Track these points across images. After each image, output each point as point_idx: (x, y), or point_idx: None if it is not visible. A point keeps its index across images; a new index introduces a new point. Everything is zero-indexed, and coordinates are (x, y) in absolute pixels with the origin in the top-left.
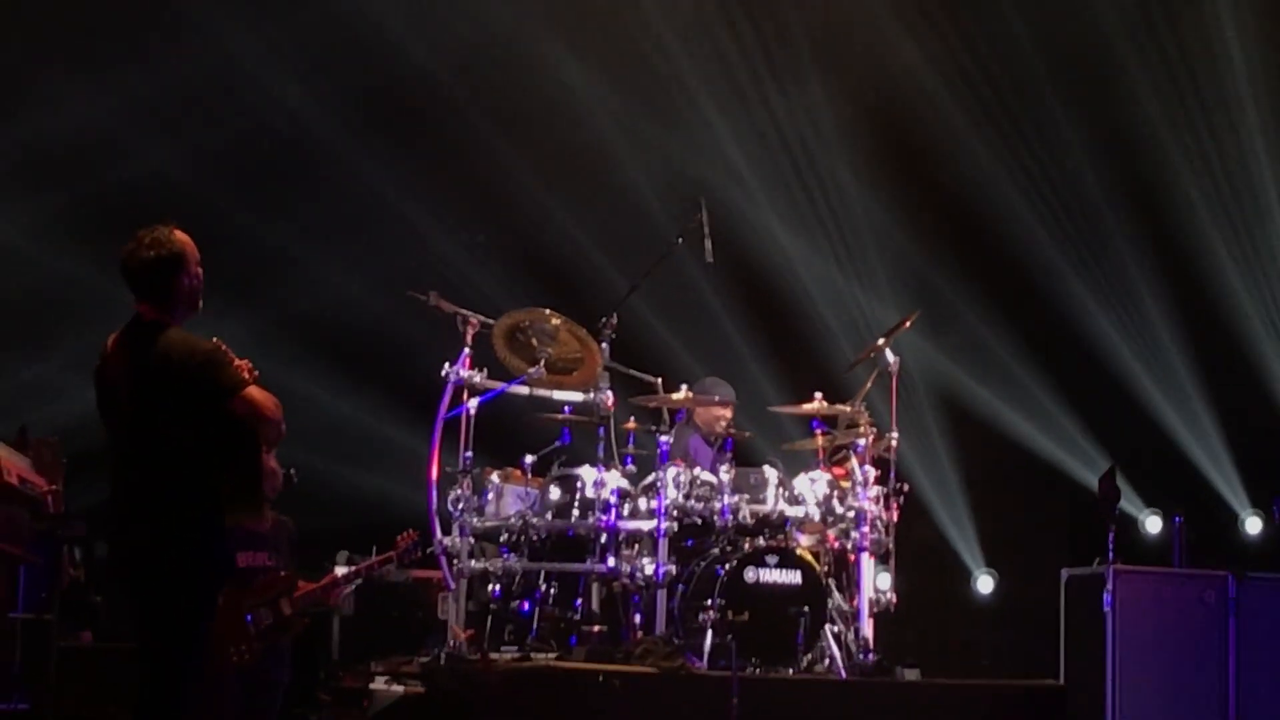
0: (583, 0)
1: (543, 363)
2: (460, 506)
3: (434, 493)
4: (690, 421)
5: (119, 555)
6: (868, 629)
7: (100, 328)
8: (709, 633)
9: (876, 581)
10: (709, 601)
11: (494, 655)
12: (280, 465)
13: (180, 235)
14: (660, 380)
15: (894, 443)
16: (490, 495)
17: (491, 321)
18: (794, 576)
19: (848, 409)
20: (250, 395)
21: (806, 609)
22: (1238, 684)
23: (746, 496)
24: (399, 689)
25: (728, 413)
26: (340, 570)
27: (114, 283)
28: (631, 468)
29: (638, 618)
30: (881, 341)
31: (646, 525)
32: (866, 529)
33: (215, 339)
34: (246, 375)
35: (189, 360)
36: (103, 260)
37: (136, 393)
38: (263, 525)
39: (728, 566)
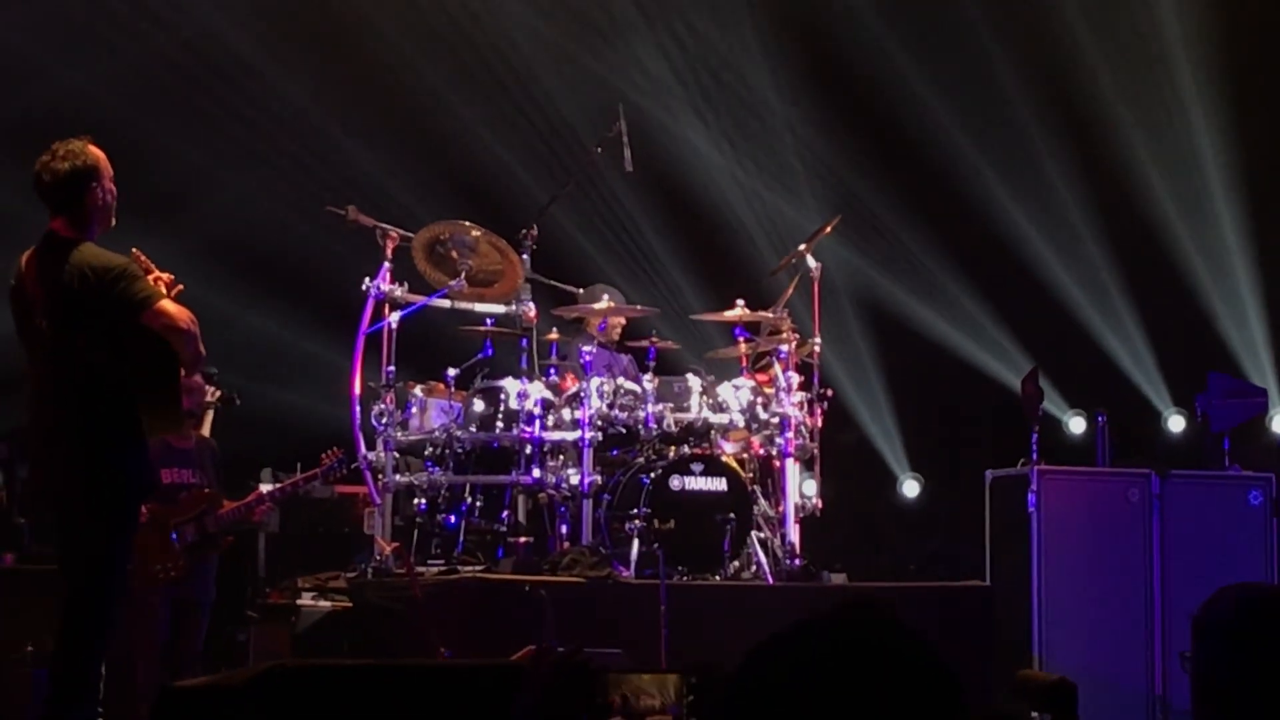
0: None
1: (463, 275)
2: (384, 421)
3: (357, 408)
4: (581, 331)
5: (41, 474)
6: (794, 534)
7: (12, 250)
8: (635, 542)
9: (802, 487)
10: (635, 510)
11: (420, 569)
12: (223, 388)
13: (94, 149)
14: (580, 291)
15: (817, 348)
16: (414, 409)
17: (411, 235)
18: (719, 484)
19: (770, 315)
20: (163, 308)
21: (732, 516)
22: (1162, 581)
23: (670, 405)
24: (326, 604)
25: (621, 318)
26: (265, 488)
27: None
28: (554, 378)
29: (564, 528)
30: (803, 247)
31: (571, 436)
32: (791, 435)
33: (134, 250)
34: (165, 289)
35: (103, 274)
36: (14, 182)
37: (52, 309)
38: (186, 442)
39: (653, 475)
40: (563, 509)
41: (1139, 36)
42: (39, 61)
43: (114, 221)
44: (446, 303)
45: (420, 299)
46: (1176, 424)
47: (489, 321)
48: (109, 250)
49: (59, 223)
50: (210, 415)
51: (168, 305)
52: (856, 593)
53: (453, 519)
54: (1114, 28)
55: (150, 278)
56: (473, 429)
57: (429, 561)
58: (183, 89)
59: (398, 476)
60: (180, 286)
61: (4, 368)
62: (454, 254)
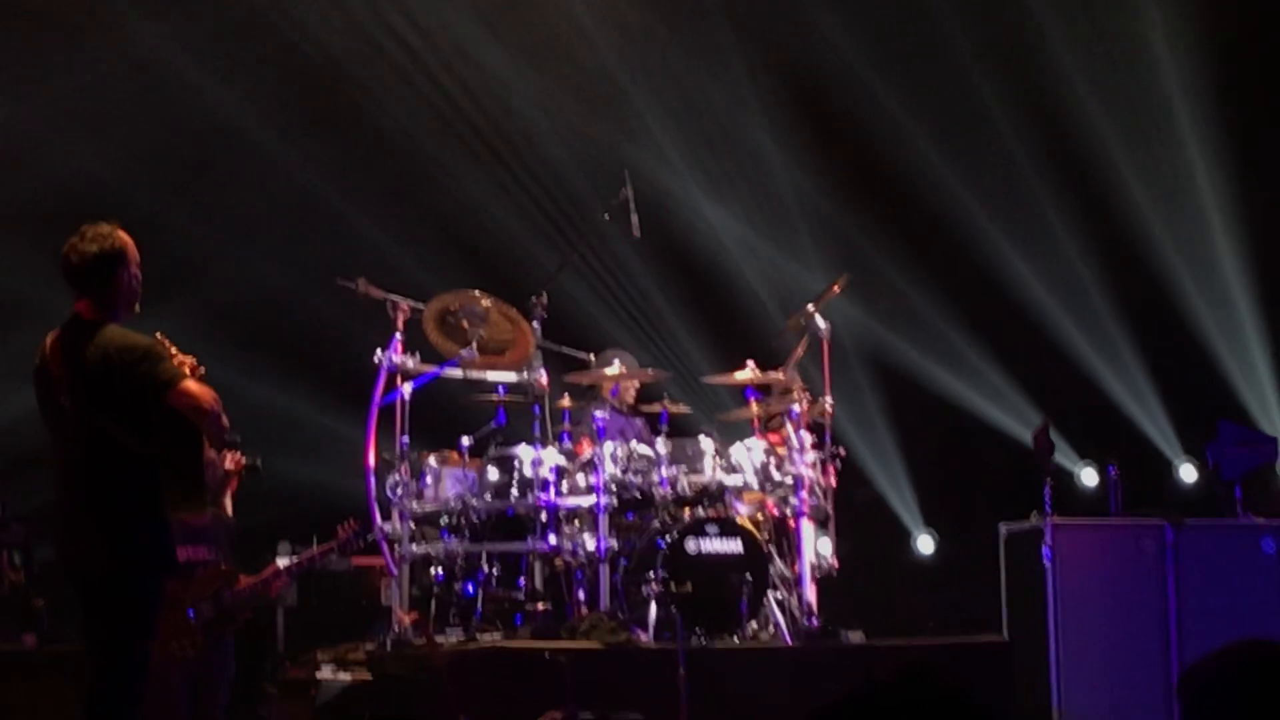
0: None
1: (475, 344)
2: (399, 492)
3: (372, 479)
4: (595, 397)
5: (64, 554)
6: (811, 594)
7: (27, 332)
8: (653, 605)
9: (817, 546)
10: (651, 574)
11: (439, 638)
12: (246, 456)
13: (122, 233)
14: (593, 356)
15: (829, 407)
16: (428, 479)
17: (422, 306)
18: (735, 545)
19: (780, 376)
20: (186, 388)
21: (749, 577)
22: (1179, 630)
23: (684, 467)
24: (346, 676)
25: (635, 383)
26: (282, 562)
27: (41, 286)
28: (568, 445)
29: (581, 594)
30: (811, 307)
31: (586, 501)
32: (805, 494)
33: (158, 334)
34: (188, 370)
35: (127, 355)
36: (29, 264)
37: (76, 390)
38: (201, 519)
39: (669, 538)
40: (579, 574)
41: (1142, 89)
42: (46, 145)
43: (138, 307)
44: (459, 372)
45: (432, 369)
46: (1188, 473)
47: (501, 390)
48: (132, 330)
49: (84, 305)
50: (234, 484)
51: (191, 385)
52: (913, 657)
53: (470, 587)
54: (1117, 80)
55: (174, 361)
56: (488, 497)
57: (447, 630)
58: (193, 166)
59: (414, 547)
60: (202, 369)
61: (20, 448)
62: (465, 324)
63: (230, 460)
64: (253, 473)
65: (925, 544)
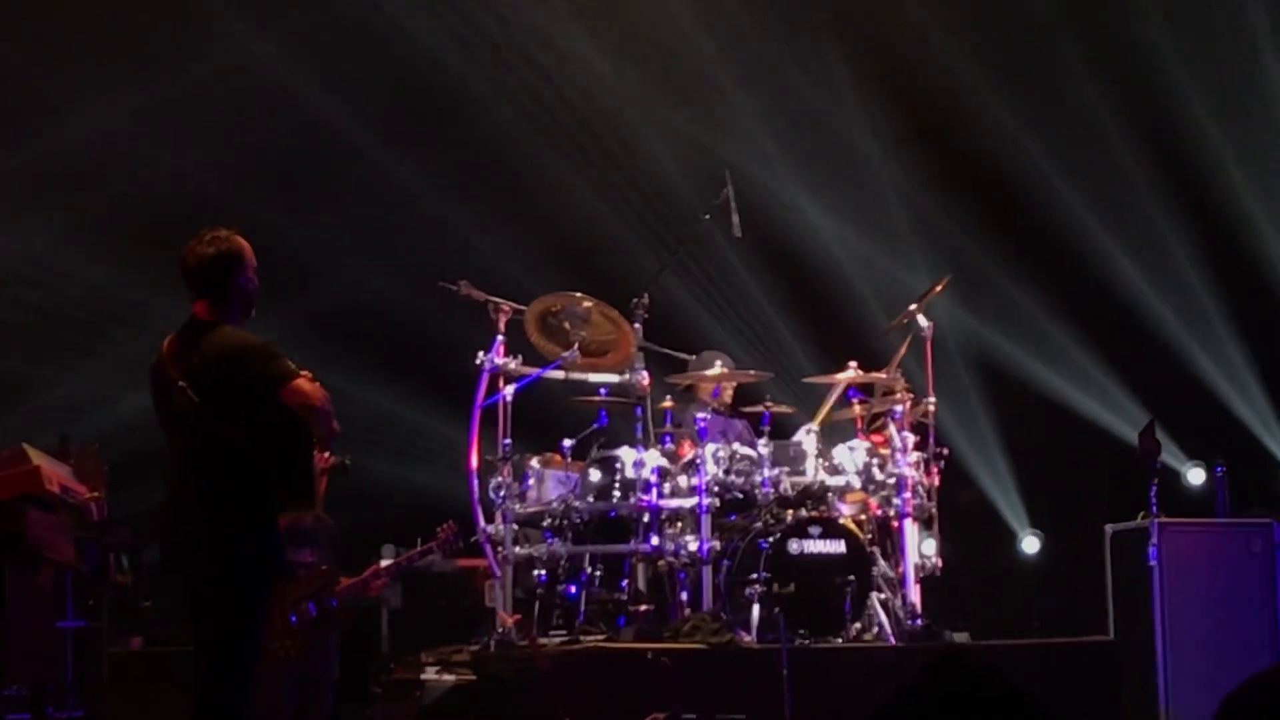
0: None
1: (576, 346)
2: (502, 494)
3: (475, 481)
4: (695, 398)
5: (173, 552)
6: (914, 595)
7: (135, 336)
8: (756, 606)
9: (921, 547)
10: (754, 575)
11: (543, 640)
12: (335, 454)
13: (239, 238)
14: (693, 358)
15: (931, 407)
16: (531, 481)
17: (523, 308)
18: (838, 546)
19: (883, 376)
20: (299, 386)
21: (852, 578)
22: None
23: (786, 469)
24: (450, 678)
25: (734, 383)
26: (383, 563)
27: (149, 292)
28: (670, 446)
29: (684, 595)
30: (914, 307)
31: (688, 503)
32: (908, 495)
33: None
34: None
35: (243, 353)
36: (136, 268)
37: (193, 388)
38: (305, 521)
39: (771, 539)
40: (682, 576)
41: (1249, 84)
42: (152, 150)
43: (253, 310)
44: (560, 374)
45: (534, 371)
46: None
47: (603, 391)
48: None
49: (201, 306)
50: (324, 483)
51: (304, 384)
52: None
53: (573, 589)
54: (1227, 80)
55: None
56: (590, 499)
57: (551, 632)
58: (295, 170)
59: (517, 549)
60: (317, 383)
61: (129, 451)
62: (566, 325)
63: (319, 459)
64: (342, 471)
65: (1031, 544)
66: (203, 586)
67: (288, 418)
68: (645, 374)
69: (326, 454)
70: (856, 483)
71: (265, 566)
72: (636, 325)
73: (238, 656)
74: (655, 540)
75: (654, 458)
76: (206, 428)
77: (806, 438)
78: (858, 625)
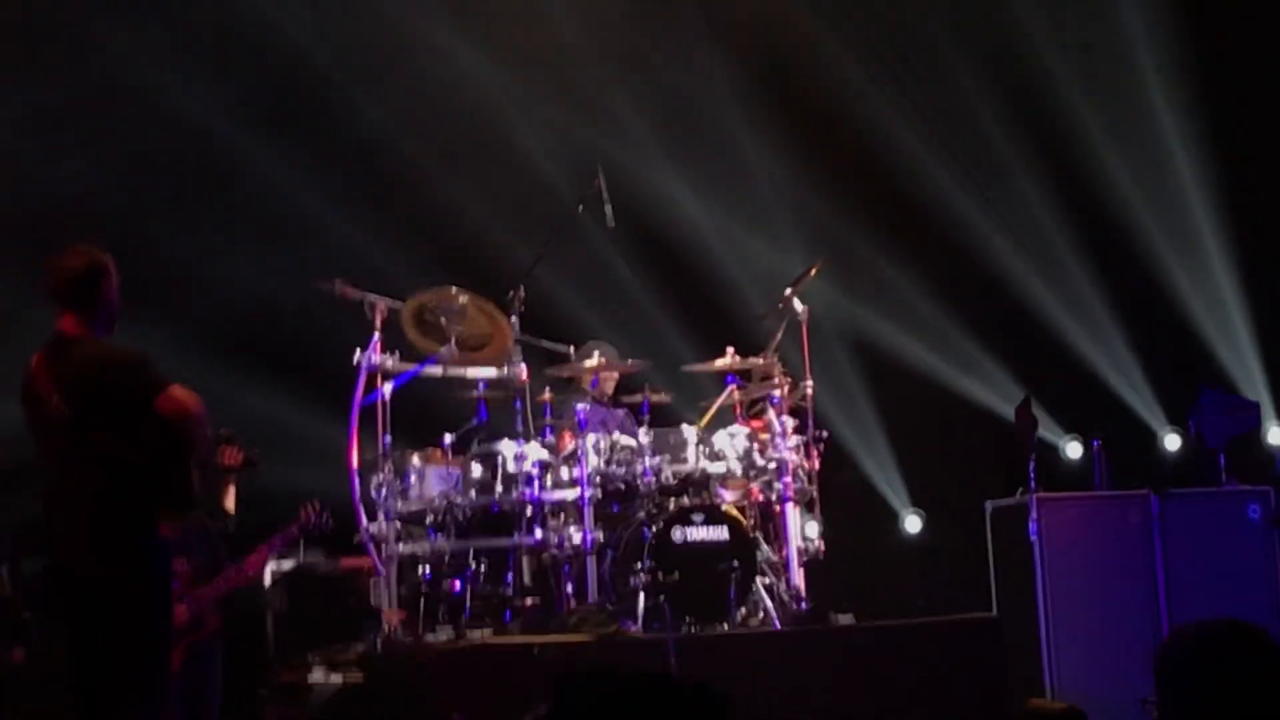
0: None
1: (453, 341)
2: (383, 492)
3: (356, 480)
4: (575, 389)
5: (60, 577)
6: (799, 578)
7: (7, 349)
8: (641, 595)
9: (804, 530)
10: (639, 565)
11: (429, 636)
12: (245, 450)
13: (103, 253)
14: (572, 349)
15: (810, 391)
16: (412, 478)
17: (399, 304)
18: (721, 532)
19: (760, 361)
20: (175, 393)
21: (736, 563)
22: (1168, 600)
23: (668, 457)
24: (338, 678)
25: (614, 374)
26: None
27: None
28: (551, 438)
29: (570, 587)
30: (789, 292)
31: (570, 495)
32: (789, 479)
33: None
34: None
35: (116, 364)
36: (6, 278)
37: (66, 401)
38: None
39: (654, 528)
40: (567, 568)
41: (1118, 60)
42: (21, 157)
43: (115, 327)
44: (438, 369)
45: (412, 367)
46: (1173, 442)
47: (482, 385)
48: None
49: (68, 320)
50: (234, 483)
51: (179, 391)
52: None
53: (458, 585)
54: (1094, 54)
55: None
56: (472, 494)
57: (437, 629)
58: (168, 174)
59: (401, 546)
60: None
61: (3, 464)
62: (442, 320)
63: (228, 457)
64: (251, 468)
65: (913, 524)
66: (100, 604)
67: (163, 427)
68: (523, 367)
69: (237, 450)
70: (738, 469)
71: (162, 577)
72: (513, 318)
73: (155, 673)
74: (539, 533)
75: (535, 450)
76: (82, 440)
77: (687, 428)
78: (743, 610)
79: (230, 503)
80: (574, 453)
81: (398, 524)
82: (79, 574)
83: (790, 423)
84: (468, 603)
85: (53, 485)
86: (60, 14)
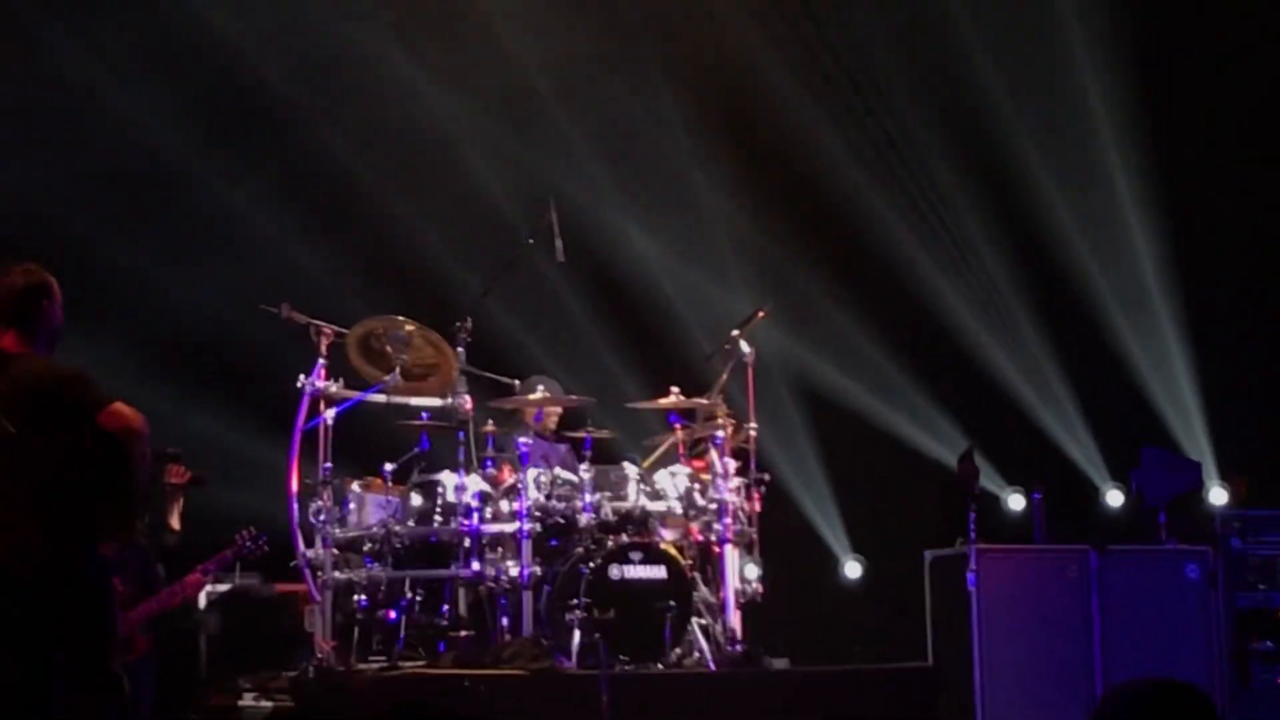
0: (426, 8)
1: (398, 370)
2: (322, 518)
3: (294, 505)
4: (518, 423)
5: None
6: (735, 620)
7: None
8: (576, 632)
9: (743, 572)
10: (575, 601)
11: (362, 665)
12: (191, 468)
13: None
14: (518, 382)
15: (753, 433)
16: (351, 505)
17: (345, 331)
18: (659, 571)
19: (705, 402)
20: (119, 409)
21: (673, 603)
22: (1103, 656)
23: (608, 494)
24: (268, 704)
25: (557, 409)
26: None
27: None
28: (491, 470)
29: (505, 620)
30: (736, 333)
31: (509, 527)
32: (729, 520)
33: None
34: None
35: (57, 380)
36: None
37: (7, 417)
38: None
39: (592, 565)
40: (503, 601)
41: (1067, 107)
42: None
43: (55, 348)
44: (382, 398)
45: (355, 395)
46: (1114, 498)
47: (425, 415)
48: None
49: (9, 338)
50: (180, 498)
51: (122, 406)
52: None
53: (393, 614)
54: (1042, 100)
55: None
56: (411, 523)
57: (371, 658)
58: (115, 191)
59: (337, 573)
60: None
61: None
62: (388, 349)
63: (175, 474)
64: (199, 484)
65: (853, 569)
66: (34, 614)
67: (104, 445)
68: (468, 398)
69: (183, 468)
70: (678, 508)
71: (101, 589)
72: (459, 349)
73: (112, 682)
74: (476, 565)
75: (475, 482)
76: (24, 456)
77: (629, 466)
78: (678, 651)
79: (175, 520)
80: (514, 486)
81: (335, 550)
82: (20, 590)
83: (732, 464)
84: (402, 632)
85: None
86: (12, 23)
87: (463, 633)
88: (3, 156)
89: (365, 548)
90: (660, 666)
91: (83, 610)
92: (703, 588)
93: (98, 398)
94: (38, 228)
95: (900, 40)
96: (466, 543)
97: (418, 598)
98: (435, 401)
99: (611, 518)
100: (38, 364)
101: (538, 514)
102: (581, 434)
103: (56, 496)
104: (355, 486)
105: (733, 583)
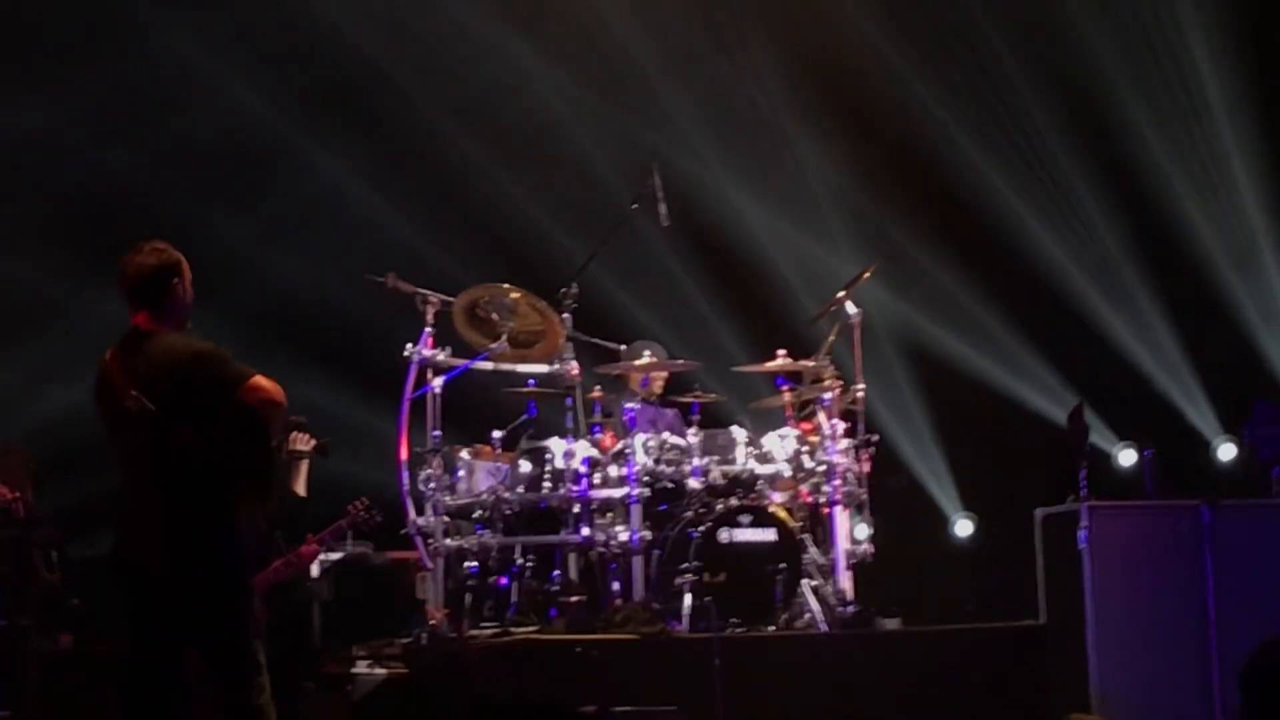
0: None
1: (504, 337)
2: (432, 486)
3: (405, 473)
4: (625, 388)
5: (126, 572)
6: (846, 581)
7: (57, 333)
8: (687, 596)
9: (853, 533)
10: (685, 565)
11: (474, 632)
12: (316, 435)
13: (177, 252)
14: (623, 347)
15: (860, 394)
16: (461, 473)
17: (451, 299)
18: (768, 534)
19: (812, 364)
20: (259, 382)
21: (783, 566)
22: (1216, 612)
23: (716, 458)
24: (382, 672)
25: (664, 373)
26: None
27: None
28: (600, 435)
29: (616, 585)
30: (842, 294)
31: (618, 493)
32: (838, 482)
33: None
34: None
35: (195, 357)
36: (59, 265)
37: (146, 395)
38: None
39: (702, 529)
40: (613, 566)
41: (1175, 66)
42: (76, 148)
43: (189, 323)
44: (489, 365)
45: (463, 362)
46: (1227, 452)
47: (532, 382)
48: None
49: (142, 317)
50: (306, 465)
51: (263, 380)
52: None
53: (505, 580)
54: (1150, 59)
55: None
56: (520, 490)
57: (483, 624)
58: (223, 167)
59: (448, 540)
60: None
61: (51, 449)
62: (494, 316)
63: (302, 441)
64: (322, 453)
65: (963, 528)
66: (183, 600)
67: (242, 419)
68: (574, 364)
69: (308, 435)
70: (786, 471)
71: (239, 566)
72: (565, 315)
73: (253, 656)
74: (586, 531)
75: (583, 448)
76: (163, 434)
77: (738, 429)
78: (789, 613)
79: (301, 487)
80: (622, 451)
81: (445, 518)
82: (152, 572)
83: (840, 426)
84: (513, 599)
85: (130, 481)
86: (118, 5)
87: (574, 598)
88: (114, 137)
89: (475, 515)
90: (771, 629)
91: (221, 593)
92: (812, 549)
93: (237, 372)
94: (147, 206)
95: (1006, 2)
96: (576, 508)
97: (528, 564)
98: (542, 368)
99: (720, 481)
100: (174, 341)
101: (646, 479)
102: (688, 398)
103: (198, 477)
104: (464, 454)
105: (843, 544)
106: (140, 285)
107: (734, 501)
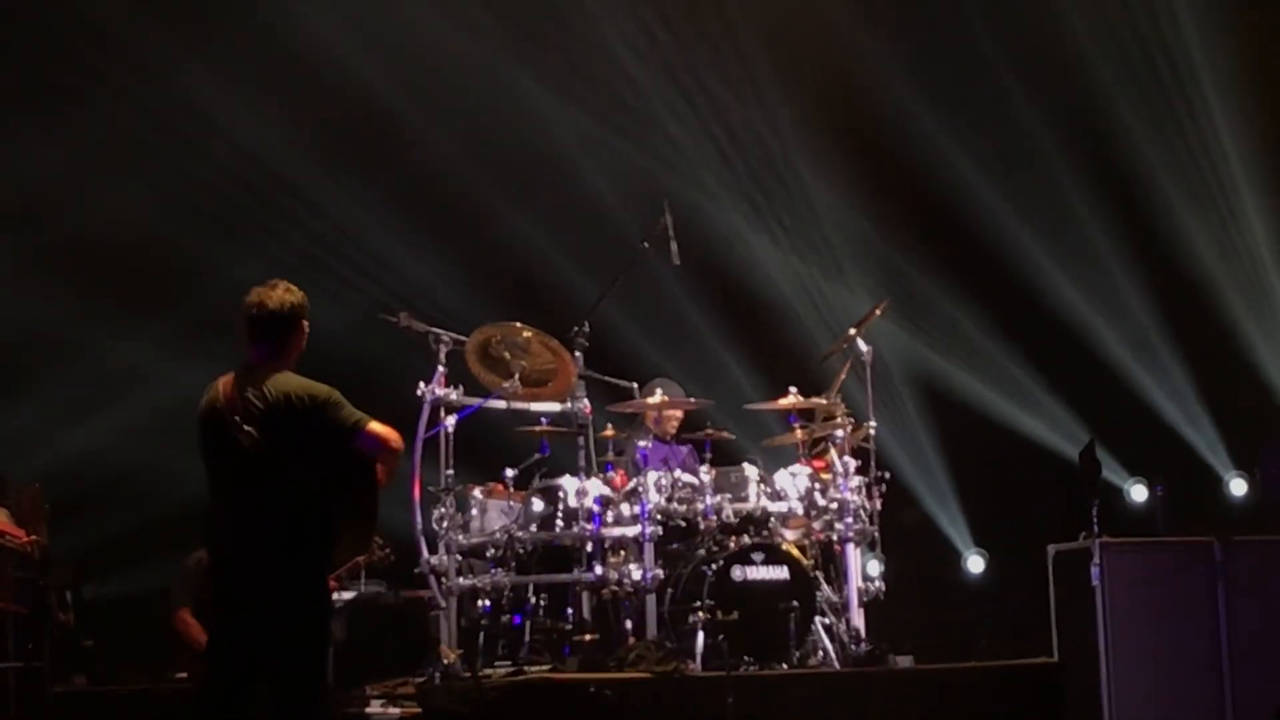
0: (537, 20)
1: (517, 376)
2: (445, 525)
3: (418, 512)
4: (640, 426)
5: (238, 600)
6: (858, 619)
7: (71, 374)
8: (700, 634)
9: (865, 570)
10: (698, 603)
11: (488, 671)
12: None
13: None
14: (635, 386)
15: (872, 431)
16: (474, 511)
17: (464, 339)
18: (781, 572)
19: (824, 401)
20: (377, 429)
21: (796, 603)
22: (1229, 647)
23: (728, 495)
24: (396, 711)
25: (678, 412)
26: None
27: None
28: (612, 474)
29: (629, 624)
30: (853, 331)
31: (631, 531)
32: (850, 519)
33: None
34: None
35: (313, 399)
36: (74, 306)
37: (261, 434)
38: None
39: (714, 566)
40: (626, 604)
41: (1184, 104)
42: (90, 188)
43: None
44: (502, 404)
45: (476, 401)
46: (1238, 488)
47: (545, 420)
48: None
49: (259, 352)
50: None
51: (380, 426)
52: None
53: (518, 619)
54: (1161, 99)
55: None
56: (533, 528)
57: (496, 663)
58: (235, 207)
59: (461, 579)
60: None
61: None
62: (506, 355)
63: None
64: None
65: (976, 564)
66: (265, 631)
67: (354, 464)
68: (587, 403)
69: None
70: (799, 508)
71: (329, 609)
72: (577, 354)
73: (311, 703)
74: (599, 569)
75: (596, 486)
76: (275, 471)
77: (750, 467)
78: (802, 651)
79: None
80: (635, 489)
81: (458, 557)
82: (251, 603)
83: (852, 463)
84: (527, 637)
85: (236, 514)
86: (129, 46)
87: (587, 636)
88: (128, 178)
89: (488, 553)
90: (785, 667)
91: (308, 632)
92: (825, 587)
93: (356, 418)
94: (162, 247)
95: (1016, 38)
96: (589, 547)
97: (541, 602)
98: (555, 406)
99: (733, 519)
100: (292, 381)
101: (659, 517)
102: (701, 436)
103: (306, 516)
104: (477, 493)
105: (855, 581)
106: (276, 321)
107: (746, 539)
